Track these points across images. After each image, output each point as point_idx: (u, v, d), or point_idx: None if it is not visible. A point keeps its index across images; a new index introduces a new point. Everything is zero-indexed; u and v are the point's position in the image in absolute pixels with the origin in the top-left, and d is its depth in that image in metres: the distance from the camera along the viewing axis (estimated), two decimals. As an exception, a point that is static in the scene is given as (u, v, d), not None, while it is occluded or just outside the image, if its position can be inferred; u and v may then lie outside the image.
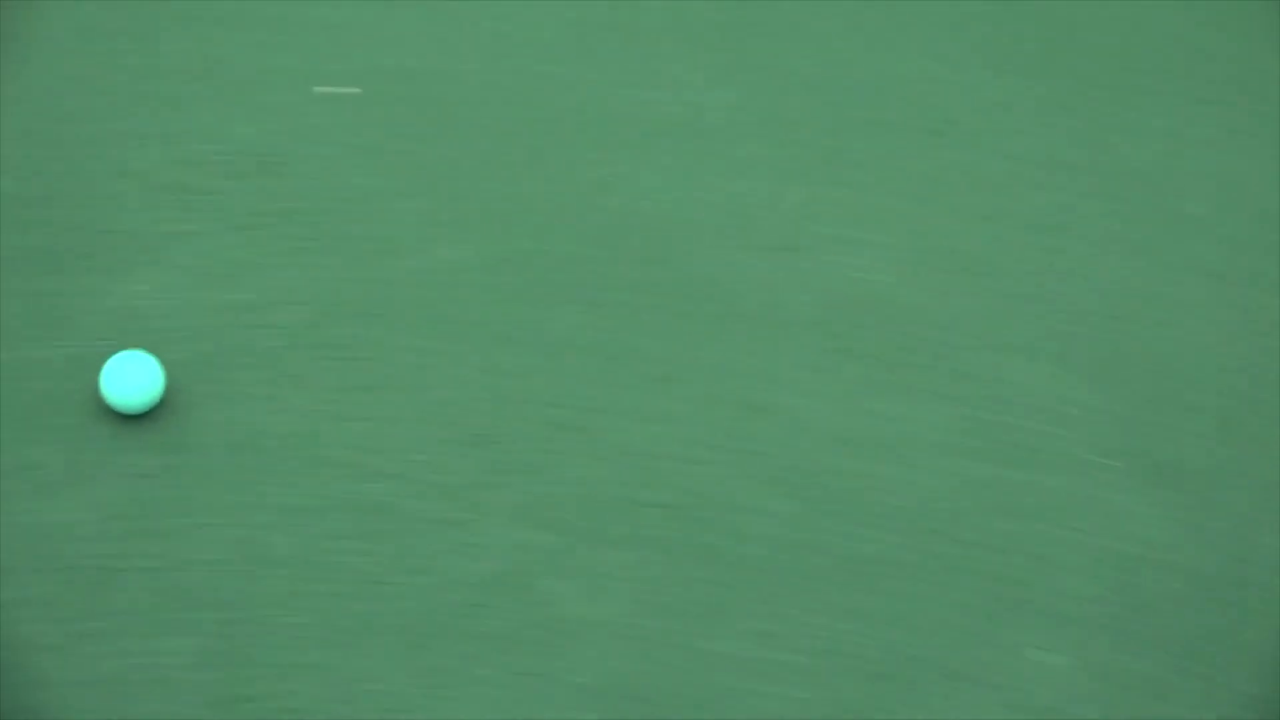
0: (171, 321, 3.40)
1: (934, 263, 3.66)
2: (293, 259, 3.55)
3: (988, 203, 3.79)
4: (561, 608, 3.06)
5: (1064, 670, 3.06)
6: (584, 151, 3.85)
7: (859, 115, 3.97)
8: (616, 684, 2.98)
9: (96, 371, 3.28)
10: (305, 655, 2.93)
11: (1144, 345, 3.54)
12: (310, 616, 2.97)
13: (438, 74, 3.99)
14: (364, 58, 4.01)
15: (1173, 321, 3.58)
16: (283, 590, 3.00)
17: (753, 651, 3.05)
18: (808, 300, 3.58)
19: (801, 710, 2.99)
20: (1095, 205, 3.80)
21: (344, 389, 3.34)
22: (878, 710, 3.00)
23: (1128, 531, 3.25)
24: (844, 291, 3.60)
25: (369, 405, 3.32)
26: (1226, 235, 3.75)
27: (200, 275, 3.50)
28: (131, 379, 3.22)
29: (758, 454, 3.31)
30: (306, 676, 2.90)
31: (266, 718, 2.87)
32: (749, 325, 3.53)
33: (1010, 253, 3.70)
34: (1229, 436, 3.40)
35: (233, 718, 2.85)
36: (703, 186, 3.80)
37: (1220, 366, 3.51)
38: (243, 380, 3.33)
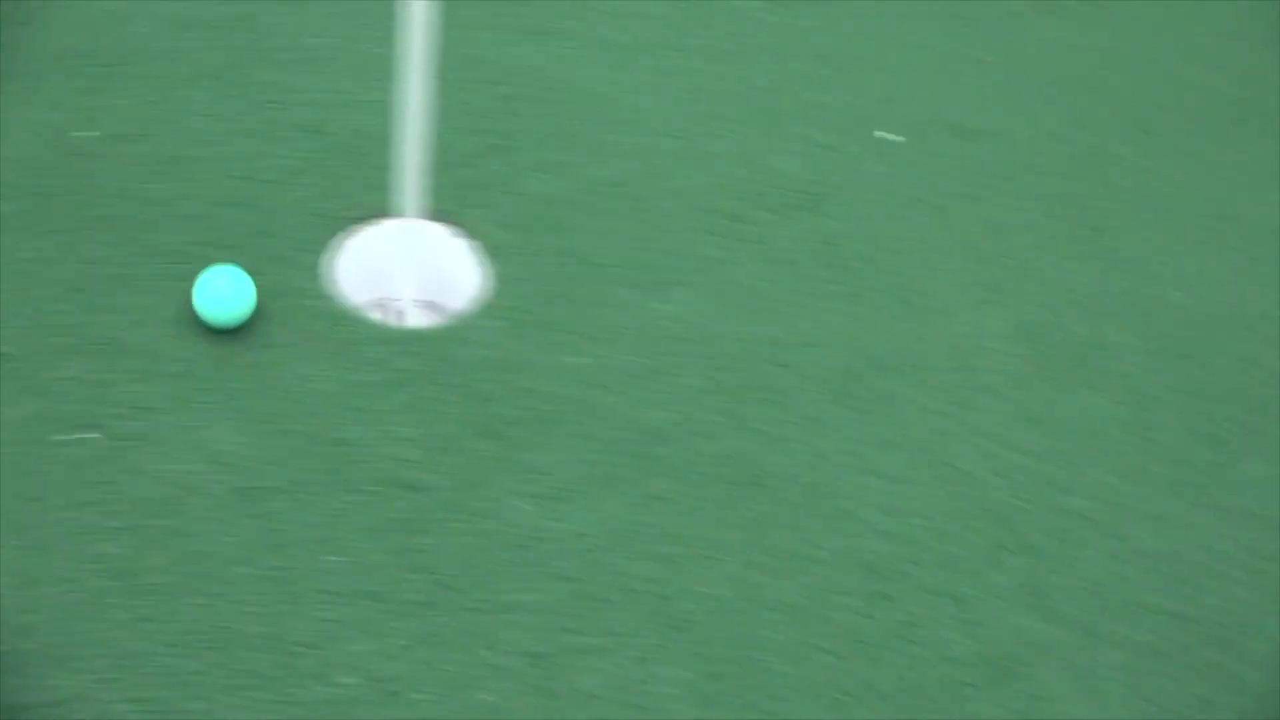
0: (694, 346, 3.37)
1: None
2: (824, 301, 3.48)
3: None
4: (1052, 703, 2.91)
5: None
6: (1132, 234, 3.73)
7: None
8: (1097, 790, 2.84)
9: (626, 387, 3.26)
10: (794, 708, 2.83)
11: None
12: (803, 668, 2.88)
13: (993, 133, 3.91)
14: (919, 106, 3.95)
15: None
16: (778, 637, 2.92)
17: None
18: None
19: None
20: None
21: (858, 440, 3.25)
22: None
23: None
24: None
25: (881, 461, 3.22)
26: None
27: (730, 304, 3.46)
28: (223, 293, 3.23)
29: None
30: (793, 729, 2.83)
31: (750, 765, 2.80)
32: (1285, 441, 3.36)
33: None
34: None
35: (716, 760, 2.80)
36: (1253, 288, 3.63)
37: None
38: (757, 416, 3.27)
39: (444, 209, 3.48)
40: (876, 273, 3.56)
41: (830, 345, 3.39)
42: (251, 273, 3.31)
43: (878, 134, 3.86)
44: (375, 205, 3.47)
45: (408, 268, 3.34)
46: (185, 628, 2.79)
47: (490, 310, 3.37)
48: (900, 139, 3.89)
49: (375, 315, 3.38)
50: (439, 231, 3.48)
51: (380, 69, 3.70)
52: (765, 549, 3.04)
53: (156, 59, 3.79)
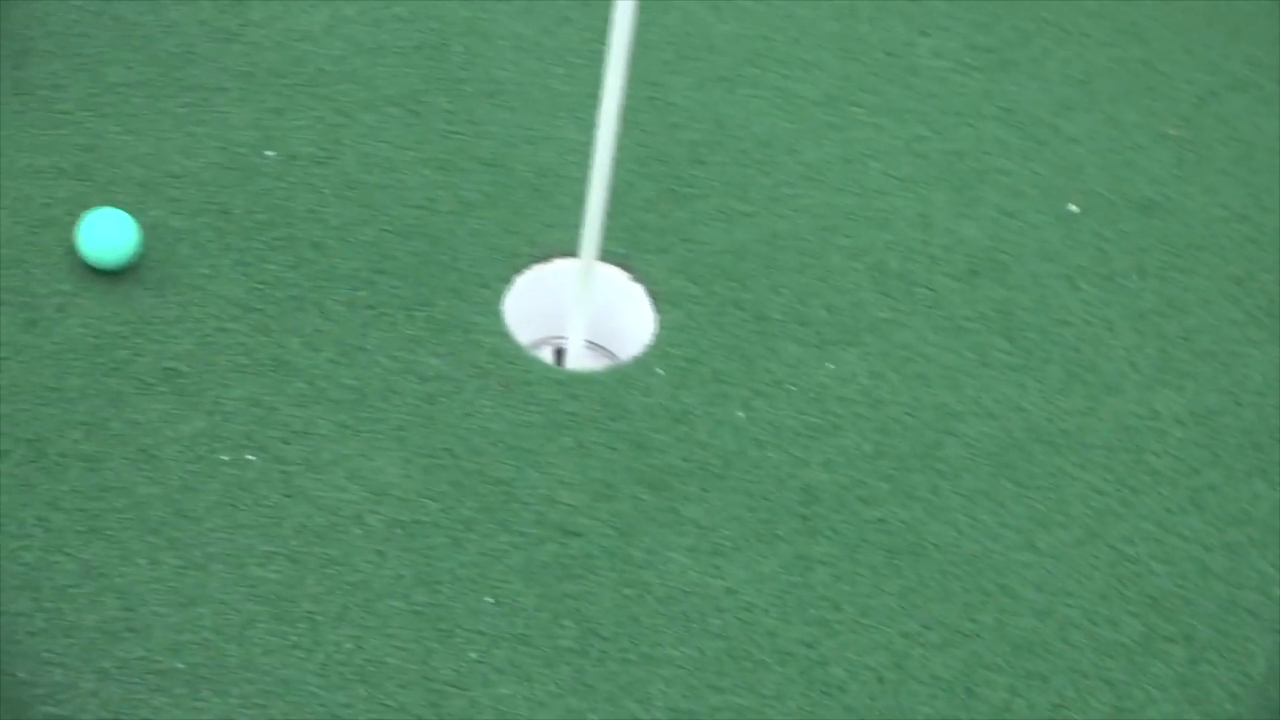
0: (861, 408, 3.35)
1: None
2: (994, 371, 3.44)
3: None
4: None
5: None
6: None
7: None
8: None
9: (789, 445, 3.24)
10: (940, 788, 2.81)
11: None
12: (953, 749, 2.86)
13: (1175, 209, 3.85)
14: (1102, 177, 3.90)
15: None
16: (928, 710, 2.89)
17: None
18: None
19: None
20: None
21: (1020, 515, 3.21)
22: None
23: None
24: None
25: (1042, 539, 3.18)
26: None
27: (899, 367, 3.43)
28: (106, 234, 3.29)
29: None
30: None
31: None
32: None
33: None
34: None
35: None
36: None
37: None
38: (919, 483, 3.24)
39: (619, 252, 3.48)
40: (1049, 345, 3.51)
41: (998, 416, 3.35)
42: (424, 304, 3.33)
43: (1070, 208, 3.81)
44: (552, 244, 3.48)
45: (580, 309, 3.33)
46: (335, 658, 2.80)
47: (658, 357, 3.36)
48: (1076, 209, 3.83)
49: (544, 355, 3.38)
50: (614, 274, 3.47)
51: (565, 106, 3.72)
52: (920, 619, 3.01)
53: (343, 82, 3.81)
